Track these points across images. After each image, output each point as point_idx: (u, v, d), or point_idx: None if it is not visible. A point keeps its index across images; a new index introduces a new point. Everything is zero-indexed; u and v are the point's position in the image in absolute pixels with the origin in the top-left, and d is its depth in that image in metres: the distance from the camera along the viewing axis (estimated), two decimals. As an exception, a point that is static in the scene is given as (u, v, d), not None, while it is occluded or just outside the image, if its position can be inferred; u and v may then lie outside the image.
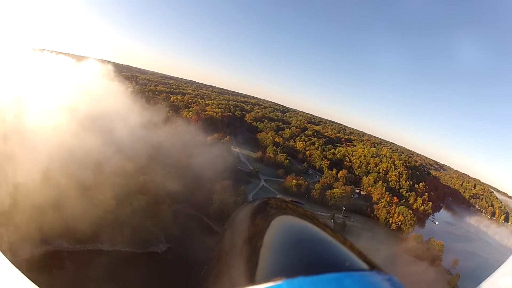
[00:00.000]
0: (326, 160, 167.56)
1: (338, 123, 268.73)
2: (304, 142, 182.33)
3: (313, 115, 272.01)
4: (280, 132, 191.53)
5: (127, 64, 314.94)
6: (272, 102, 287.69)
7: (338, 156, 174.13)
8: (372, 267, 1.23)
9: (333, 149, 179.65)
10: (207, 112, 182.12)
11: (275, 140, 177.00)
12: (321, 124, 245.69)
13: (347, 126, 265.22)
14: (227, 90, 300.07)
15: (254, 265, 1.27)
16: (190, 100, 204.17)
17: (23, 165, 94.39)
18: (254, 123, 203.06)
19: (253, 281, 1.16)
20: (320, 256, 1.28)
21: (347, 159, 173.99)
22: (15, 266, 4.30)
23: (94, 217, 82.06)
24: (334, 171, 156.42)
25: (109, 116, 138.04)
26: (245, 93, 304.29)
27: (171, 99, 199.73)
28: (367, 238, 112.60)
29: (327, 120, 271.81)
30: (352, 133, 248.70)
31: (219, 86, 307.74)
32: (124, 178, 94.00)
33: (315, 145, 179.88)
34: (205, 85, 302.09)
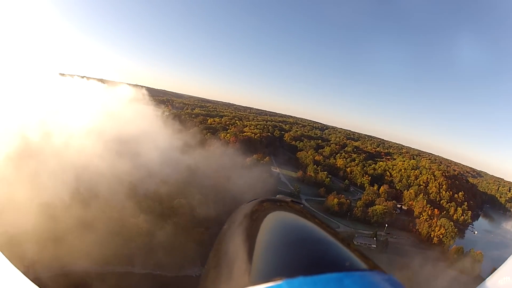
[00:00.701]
0: (367, 176, 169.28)
1: (377, 137, 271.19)
2: (344, 159, 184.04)
3: (352, 131, 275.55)
4: (320, 150, 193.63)
5: (163, 89, 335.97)
6: (311, 120, 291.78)
7: (379, 171, 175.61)
8: (372, 267, 1.26)
9: (374, 164, 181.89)
10: (245, 134, 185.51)
11: (315, 158, 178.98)
12: (360, 140, 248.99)
13: (385, 140, 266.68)
14: (265, 110, 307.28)
15: (254, 265, 1.30)
16: (227, 122, 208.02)
17: (50, 185, 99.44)
18: (293, 142, 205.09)
19: (253, 281, 1.19)
20: (320, 256, 1.30)
21: (388, 173, 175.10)
22: (20, 270, 4.53)
23: (125, 239, 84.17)
24: (375, 187, 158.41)
25: (141, 139, 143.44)
26: (283, 113, 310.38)
27: (209, 121, 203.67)
28: (413, 257, 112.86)
29: (366, 135, 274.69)
30: (391, 146, 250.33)
31: (256, 107, 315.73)
32: (158, 201, 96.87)
33: (356, 161, 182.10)
34: (243, 106, 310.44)
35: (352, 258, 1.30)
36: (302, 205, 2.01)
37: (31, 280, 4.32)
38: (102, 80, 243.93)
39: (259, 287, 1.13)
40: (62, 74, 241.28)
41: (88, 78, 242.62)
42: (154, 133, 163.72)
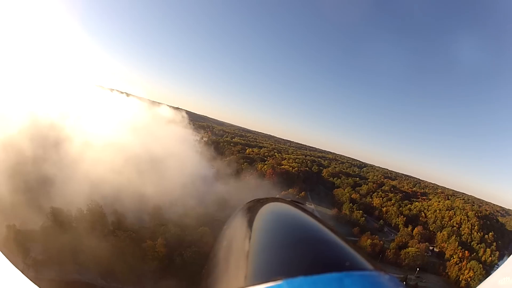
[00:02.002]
0: (402, 216, 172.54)
1: (414, 177, 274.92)
2: (381, 198, 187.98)
3: (389, 170, 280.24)
4: (357, 188, 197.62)
5: (205, 115, 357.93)
6: (349, 157, 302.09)
7: (414, 212, 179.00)
8: (372, 267, 1.29)
9: (410, 205, 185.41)
10: (283, 166, 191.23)
11: (352, 196, 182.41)
12: (397, 179, 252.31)
13: (421, 180, 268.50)
14: (305, 145, 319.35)
15: (254, 265, 1.33)
16: (266, 154, 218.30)
17: (62, 191, 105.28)
18: (331, 178, 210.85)
19: (253, 281, 1.22)
20: (320, 256, 1.33)
21: (423, 214, 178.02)
22: (16, 267, 4.71)
23: (139, 260, 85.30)
24: (410, 227, 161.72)
25: (173, 161, 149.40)
26: (323, 148, 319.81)
27: (247, 151, 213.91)
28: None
29: (403, 174, 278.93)
30: (427, 186, 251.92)
31: (296, 141, 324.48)
32: (180, 226, 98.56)
33: (392, 201, 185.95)
34: (283, 139, 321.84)
35: (352, 258, 1.34)
36: (303, 205, 2.08)
37: (32, 280, 4.61)
38: (143, 99, 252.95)
39: (259, 287, 1.17)
40: (101, 87, 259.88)
41: (128, 94, 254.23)
42: (187, 157, 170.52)
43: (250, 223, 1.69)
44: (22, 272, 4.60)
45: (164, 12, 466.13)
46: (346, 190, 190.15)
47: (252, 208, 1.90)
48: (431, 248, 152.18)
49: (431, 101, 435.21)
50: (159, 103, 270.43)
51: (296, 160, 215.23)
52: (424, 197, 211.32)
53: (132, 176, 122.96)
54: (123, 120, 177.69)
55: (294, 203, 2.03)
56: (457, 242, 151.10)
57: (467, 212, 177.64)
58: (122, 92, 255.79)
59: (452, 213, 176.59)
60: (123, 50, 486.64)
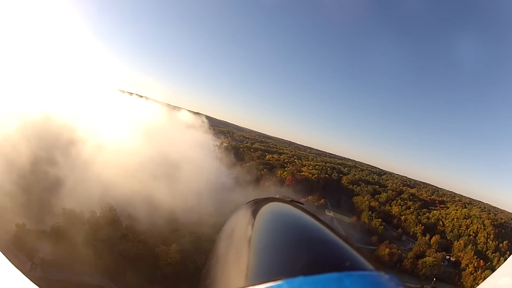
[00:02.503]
0: (420, 225, 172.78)
1: (432, 185, 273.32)
2: (400, 206, 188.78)
3: (408, 177, 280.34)
4: (376, 196, 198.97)
5: (225, 120, 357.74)
6: (369, 164, 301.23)
7: (432, 220, 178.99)
8: (372, 267, 1.30)
9: (428, 213, 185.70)
10: (303, 173, 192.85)
11: (371, 204, 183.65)
12: (416, 187, 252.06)
13: (439, 188, 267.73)
14: (325, 152, 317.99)
15: (254, 265, 1.34)
16: (286, 160, 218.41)
17: (75, 193, 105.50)
18: (350, 186, 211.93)
19: (253, 281, 1.23)
20: (320, 256, 1.34)
21: (441, 222, 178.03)
22: (16, 267, 4.66)
23: (151, 265, 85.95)
24: (427, 236, 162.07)
25: (191, 166, 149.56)
26: (343, 155, 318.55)
27: (267, 157, 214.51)
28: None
29: (421, 182, 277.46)
30: (445, 194, 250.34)
31: (317, 148, 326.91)
32: (196, 234, 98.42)
33: (411, 209, 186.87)
34: (303, 146, 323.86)
35: (352, 258, 1.35)
36: (303, 205, 2.15)
37: (32, 281, 4.63)
38: (163, 103, 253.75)
39: (259, 287, 1.18)
40: (122, 91, 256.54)
41: (147, 98, 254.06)
42: (206, 162, 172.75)
43: (250, 223, 1.72)
44: (22, 272, 4.71)
45: (185, 17, 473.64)
46: (365, 197, 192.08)
47: (252, 208, 1.94)
48: (447, 257, 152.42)
49: (449, 109, 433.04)
50: (179, 107, 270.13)
51: (316, 167, 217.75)
52: (442, 205, 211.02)
53: (147, 181, 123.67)
54: (140, 124, 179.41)
55: (294, 203, 2.14)
56: (473, 251, 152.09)
57: (484, 220, 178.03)
58: (141, 96, 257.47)
59: (469, 221, 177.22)
60: (145, 55, 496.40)
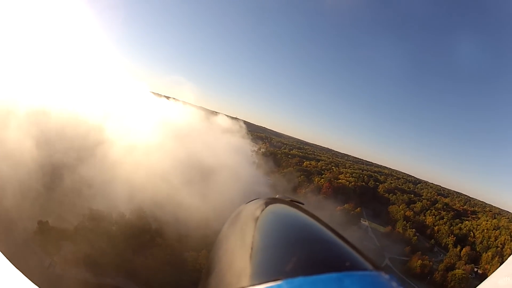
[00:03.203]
0: (452, 236, 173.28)
1: (465, 194, 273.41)
2: (434, 216, 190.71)
3: (442, 187, 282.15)
4: (411, 205, 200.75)
5: (263, 126, 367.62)
6: (405, 173, 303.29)
7: (464, 231, 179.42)
8: (373, 267, 1.32)
9: (460, 224, 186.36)
10: (340, 181, 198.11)
11: (406, 214, 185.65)
12: (449, 196, 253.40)
13: (471, 197, 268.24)
14: (362, 159, 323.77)
15: (254, 265, 1.35)
16: (323, 167, 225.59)
17: (103, 193, 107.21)
18: (386, 194, 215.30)
19: (253, 281, 1.25)
20: (320, 256, 1.37)
21: (472, 234, 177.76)
22: (15, 267, 4.69)
23: (178, 270, 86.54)
24: (458, 248, 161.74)
25: (227, 171, 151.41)
26: (379, 163, 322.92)
27: (304, 164, 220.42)
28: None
29: (455, 191, 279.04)
30: (476, 204, 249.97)
31: (354, 155, 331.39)
32: None
33: (444, 219, 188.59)
34: (340, 153, 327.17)
35: (352, 258, 1.37)
36: (302, 205, 2.27)
37: (32, 281, 4.65)
38: (200, 108, 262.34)
39: (259, 287, 1.20)
40: (158, 94, 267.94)
41: (184, 102, 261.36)
42: (242, 167, 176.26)
43: (250, 223, 1.75)
44: (22, 272, 4.71)
45: (222, 22, 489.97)
46: (400, 207, 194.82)
47: (252, 208, 1.98)
48: (475, 269, 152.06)
49: (483, 118, 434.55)
50: (217, 112, 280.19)
51: (353, 175, 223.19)
52: (474, 216, 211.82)
53: (179, 184, 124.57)
54: (175, 127, 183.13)
55: (294, 203, 2.18)
56: (499, 264, 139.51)
57: (511, 231, 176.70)
58: (178, 100, 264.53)
59: (497, 232, 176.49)
60: (182, 60, 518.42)
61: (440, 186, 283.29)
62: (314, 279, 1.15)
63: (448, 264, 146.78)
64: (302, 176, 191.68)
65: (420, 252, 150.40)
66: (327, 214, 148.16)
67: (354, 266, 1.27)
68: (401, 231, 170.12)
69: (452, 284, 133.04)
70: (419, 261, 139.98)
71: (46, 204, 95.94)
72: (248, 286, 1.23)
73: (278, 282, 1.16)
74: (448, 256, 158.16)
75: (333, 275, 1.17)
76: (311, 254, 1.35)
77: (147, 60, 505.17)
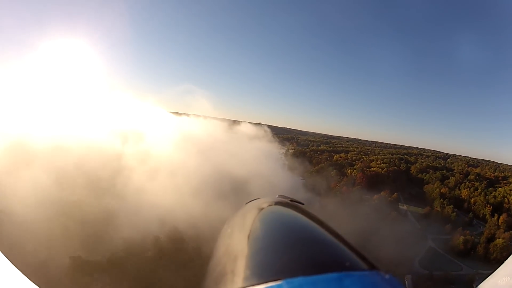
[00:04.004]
0: (488, 206, 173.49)
1: (493, 161, 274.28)
2: (468, 189, 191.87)
3: (471, 157, 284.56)
4: (445, 181, 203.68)
5: (287, 127, 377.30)
6: (433, 150, 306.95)
7: (499, 199, 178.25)
8: (372, 267, 1.37)
9: (494, 192, 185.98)
10: (372, 169, 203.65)
11: (441, 191, 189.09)
12: (479, 165, 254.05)
13: (499, 163, 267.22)
14: (389, 144, 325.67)
15: (254, 265, 1.39)
16: (354, 158, 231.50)
17: (133, 220, 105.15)
18: (419, 175, 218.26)
19: (253, 281, 1.28)
20: (320, 256, 1.42)
21: (506, 200, 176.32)
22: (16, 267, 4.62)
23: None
24: (496, 217, 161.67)
25: (259, 178, 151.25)
26: (407, 145, 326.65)
27: (334, 158, 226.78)
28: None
29: (483, 160, 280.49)
30: (505, 169, 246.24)
31: (381, 141, 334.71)
32: None
33: (478, 190, 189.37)
34: (368, 141, 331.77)
35: (352, 258, 1.41)
36: (302, 204, 2.27)
37: (32, 281, 4.60)
38: (223, 119, 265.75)
39: (259, 287, 1.23)
40: (178, 113, 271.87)
41: (205, 117, 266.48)
42: (274, 172, 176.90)
43: (250, 223, 1.80)
44: (22, 272, 4.62)
45: (237, 31, 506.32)
46: (435, 185, 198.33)
47: (252, 208, 2.04)
48: None
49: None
50: (239, 121, 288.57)
51: (384, 160, 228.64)
52: (505, 181, 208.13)
53: (212, 200, 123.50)
54: (199, 142, 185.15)
55: (294, 203, 2.23)
56: None
57: None
58: (199, 116, 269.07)
59: None
60: (196, 72, 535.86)
61: (468, 157, 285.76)
62: (314, 279, 1.19)
63: (489, 235, 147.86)
64: (334, 171, 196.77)
65: (460, 227, 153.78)
66: (365, 206, 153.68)
67: (354, 266, 1.33)
68: (439, 210, 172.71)
69: (494, 255, 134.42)
70: (461, 237, 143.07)
71: (76, 239, 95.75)
72: (248, 286, 1.28)
73: (278, 282, 1.20)
74: (488, 227, 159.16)
75: (333, 275, 1.22)
76: (311, 254, 1.42)
77: (161, 83, 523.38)
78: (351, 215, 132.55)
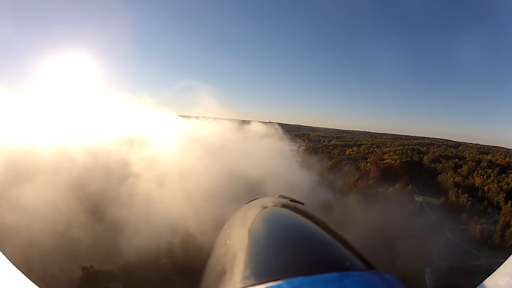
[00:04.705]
0: (502, 193, 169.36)
1: (503, 147, 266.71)
2: (481, 176, 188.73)
3: (481, 144, 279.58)
4: (458, 170, 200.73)
5: (298, 124, 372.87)
6: (444, 139, 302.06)
7: (511, 185, 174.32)
8: (372, 267, 1.39)
9: (506, 178, 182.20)
10: (385, 161, 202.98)
11: (455, 180, 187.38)
12: (490, 152, 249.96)
13: (509, 148, 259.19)
14: (400, 135, 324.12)
15: (254, 265, 1.41)
16: (366, 151, 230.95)
17: (142, 230, 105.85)
18: (432, 164, 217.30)
19: (253, 281, 1.30)
20: (320, 256, 1.43)
21: None
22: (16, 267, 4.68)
23: None
24: (510, 203, 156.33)
25: (274, 177, 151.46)
26: (418, 135, 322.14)
27: (347, 152, 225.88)
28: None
29: (494, 146, 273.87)
30: None
31: (392, 133, 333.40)
32: None
33: (491, 177, 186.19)
34: (379, 133, 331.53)
35: (352, 258, 1.43)
36: (303, 205, 2.31)
37: (32, 280, 4.64)
38: (233, 119, 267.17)
39: (259, 287, 1.24)
40: (187, 117, 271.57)
41: (215, 119, 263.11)
42: (289, 169, 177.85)
43: (250, 223, 1.82)
44: (22, 272, 4.66)
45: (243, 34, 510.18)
46: (448, 174, 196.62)
47: (252, 208, 2.06)
48: None
49: None
50: (249, 120, 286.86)
51: (397, 152, 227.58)
52: None
53: (226, 203, 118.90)
54: (210, 144, 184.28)
55: (294, 203, 2.27)
56: None
57: None
58: (208, 117, 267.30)
59: None
60: (202, 74, 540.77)
61: (479, 144, 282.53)
62: (314, 279, 1.21)
63: (504, 223, 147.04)
64: (347, 165, 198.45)
65: (476, 216, 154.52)
66: (381, 199, 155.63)
67: (354, 266, 1.35)
68: (454, 199, 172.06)
69: (511, 242, 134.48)
70: (478, 226, 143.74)
71: (87, 250, 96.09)
72: (248, 286, 1.30)
73: (278, 282, 1.22)
74: (502, 214, 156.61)
75: (333, 275, 1.23)
76: (311, 254, 1.44)
77: (169, 87, 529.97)
78: (375, 213, 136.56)
